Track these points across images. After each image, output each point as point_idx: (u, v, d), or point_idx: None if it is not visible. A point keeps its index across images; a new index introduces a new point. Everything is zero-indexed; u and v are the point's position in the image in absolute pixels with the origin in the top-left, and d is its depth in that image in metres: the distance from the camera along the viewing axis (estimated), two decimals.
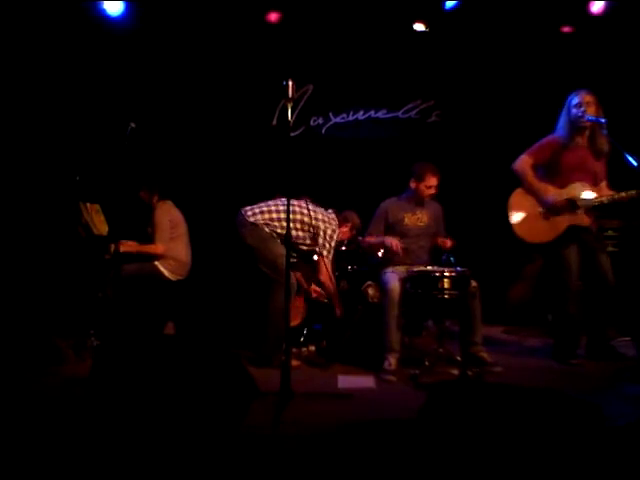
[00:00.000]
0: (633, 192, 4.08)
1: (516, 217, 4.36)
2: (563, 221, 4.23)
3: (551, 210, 4.25)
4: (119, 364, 2.75)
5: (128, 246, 4.65)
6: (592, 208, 4.23)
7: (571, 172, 4.27)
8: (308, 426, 2.96)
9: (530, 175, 4.33)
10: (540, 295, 5.52)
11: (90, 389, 2.75)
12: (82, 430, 2.60)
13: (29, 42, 5.52)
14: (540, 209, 4.29)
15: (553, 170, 4.31)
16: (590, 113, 4.17)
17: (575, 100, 4.24)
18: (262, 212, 4.41)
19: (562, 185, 4.27)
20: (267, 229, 4.34)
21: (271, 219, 4.36)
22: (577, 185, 4.25)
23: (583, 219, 4.23)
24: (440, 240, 4.45)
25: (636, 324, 4.41)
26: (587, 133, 4.28)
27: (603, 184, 4.35)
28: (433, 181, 4.41)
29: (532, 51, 6.04)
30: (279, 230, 4.32)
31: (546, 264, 4.58)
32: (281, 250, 4.38)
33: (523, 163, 4.35)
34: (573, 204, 4.22)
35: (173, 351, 2.83)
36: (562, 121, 4.33)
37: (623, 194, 4.14)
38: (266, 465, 2.50)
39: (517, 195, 4.39)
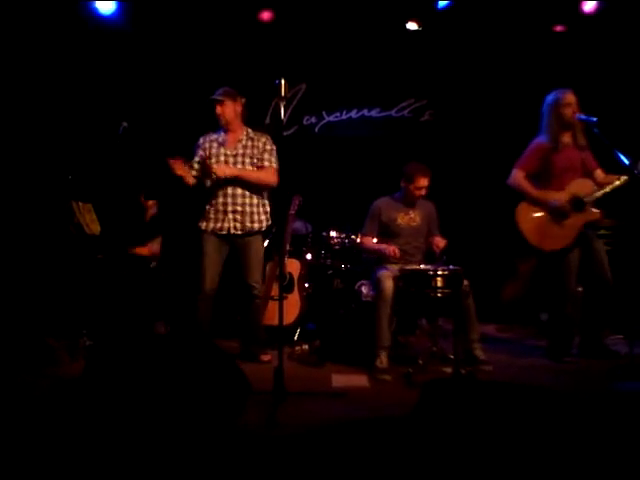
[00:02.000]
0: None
1: (528, 229, 4.29)
2: (575, 222, 4.22)
3: (560, 214, 4.24)
4: (112, 364, 2.74)
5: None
6: (598, 200, 4.22)
7: (564, 173, 4.27)
8: (302, 425, 2.96)
9: (528, 187, 4.31)
10: (534, 293, 5.54)
11: (83, 389, 2.74)
12: (75, 430, 2.59)
13: (21, 41, 5.49)
14: (549, 216, 4.27)
15: (546, 175, 4.30)
16: (577, 112, 4.20)
17: (563, 100, 4.24)
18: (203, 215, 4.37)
19: (559, 187, 4.27)
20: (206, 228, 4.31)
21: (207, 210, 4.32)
22: (576, 182, 4.25)
23: (595, 214, 4.24)
24: (434, 244, 4.42)
25: (629, 322, 4.43)
26: (572, 131, 4.30)
27: (599, 172, 4.34)
28: (423, 182, 4.40)
29: (524, 50, 6.05)
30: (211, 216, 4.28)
31: (541, 263, 4.57)
32: (204, 247, 4.30)
33: (517, 177, 4.34)
34: (579, 203, 4.22)
35: (166, 350, 2.83)
36: (547, 122, 4.31)
37: (625, 177, 4.10)
38: (260, 464, 2.49)
39: (522, 208, 4.33)
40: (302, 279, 5.02)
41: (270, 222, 4.41)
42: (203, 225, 4.30)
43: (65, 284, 4.81)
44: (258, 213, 4.28)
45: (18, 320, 4.61)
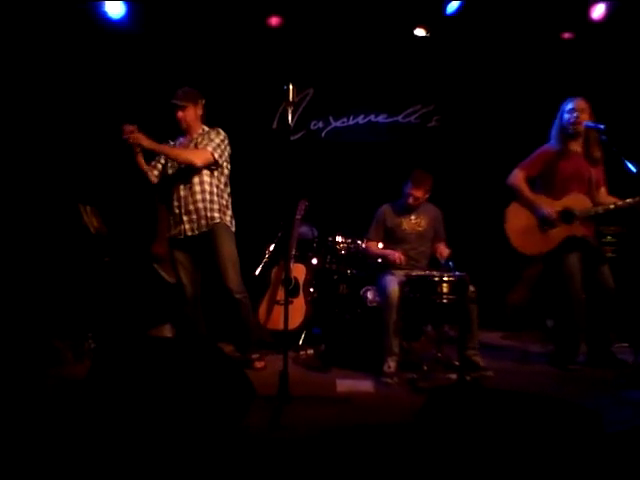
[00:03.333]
0: (629, 200, 4.09)
1: (512, 229, 4.34)
2: (559, 233, 4.22)
3: (547, 223, 4.25)
4: (117, 366, 2.75)
5: None
6: (588, 218, 4.24)
7: (567, 182, 4.26)
8: (306, 430, 2.95)
9: (524, 189, 4.33)
10: (539, 300, 5.52)
11: (88, 391, 2.75)
12: (80, 432, 2.60)
13: (30, 44, 5.52)
14: (536, 221, 4.28)
15: (549, 181, 4.31)
16: (585, 119, 4.19)
17: (569, 106, 4.25)
18: None
19: (558, 196, 4.27)
20: None
21: None
22: (573, 196, 4.25)
23: (579, 230, 4.23)
24: (438, 252, 4.45)
25: (635, 330, 4.41)
26: (582, 140, 4.29)
27: (602, 190, 4.36)
28: (414, 192, 4.41)
29: (532, 56, 6.05)
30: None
31: (546, 269, 4.57)
32: (173, 255, 4.27)
33: (516, 177, 4.36)
34: (569, 215, 4.22)
35: (171, 354, 2.83)
36: (555, 130, 4.33)
37: (620, 203, 4.15)
38: (263, 469, 2.49)
39: (513, 207, 4.38)
40: (307, 284, 5.02)
41: (231, 219, 4.24)
42: (169, 233, 4.26)
43: (71, 286, 4.83)
44: (211, 210, 4.11)
45: (24, 321, 4.63)
